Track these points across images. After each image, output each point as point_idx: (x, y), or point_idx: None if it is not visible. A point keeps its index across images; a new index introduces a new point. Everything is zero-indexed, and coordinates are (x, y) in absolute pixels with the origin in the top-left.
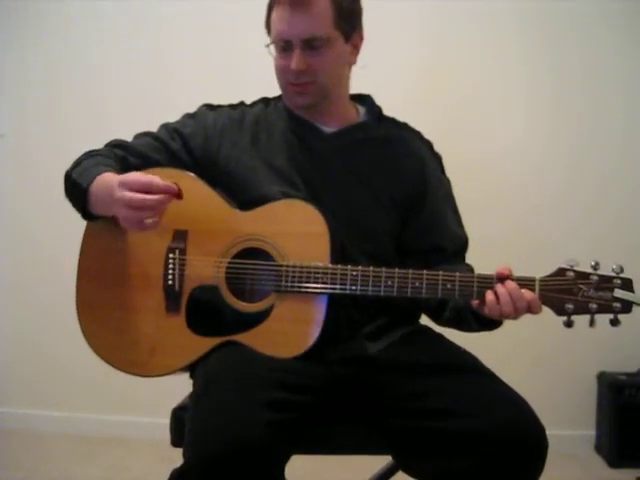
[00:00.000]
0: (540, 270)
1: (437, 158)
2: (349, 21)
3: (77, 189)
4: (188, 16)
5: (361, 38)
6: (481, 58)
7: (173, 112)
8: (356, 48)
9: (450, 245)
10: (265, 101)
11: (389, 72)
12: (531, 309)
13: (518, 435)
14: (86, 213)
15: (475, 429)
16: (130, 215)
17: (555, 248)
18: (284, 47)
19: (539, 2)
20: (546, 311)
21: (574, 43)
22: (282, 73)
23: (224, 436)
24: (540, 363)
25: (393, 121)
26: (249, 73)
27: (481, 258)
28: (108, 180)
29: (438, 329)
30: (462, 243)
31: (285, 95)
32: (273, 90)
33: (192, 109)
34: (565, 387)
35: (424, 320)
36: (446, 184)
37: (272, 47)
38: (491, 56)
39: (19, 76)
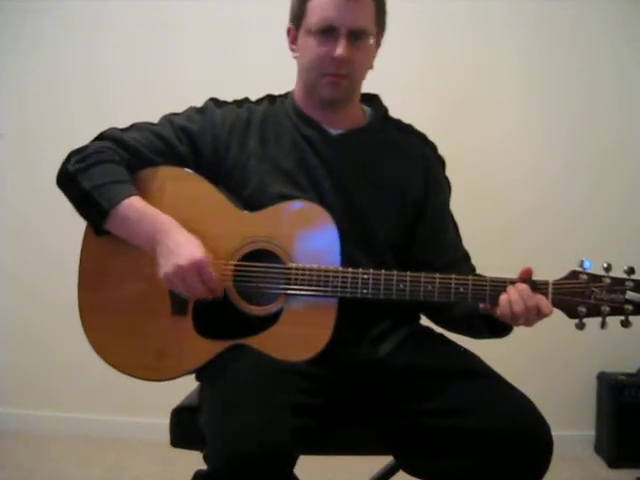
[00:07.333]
0: (540, 267)
1: (441, 161)
2: (382, 22)
3: (92, 204)
4: (192, 15)
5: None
6: (479, 57)
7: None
8: (377, 51)
9: (452, 256)
10: (270, 99)
11: (387, 70)
12: (541, 309)
13: (522, 433)
14: (97, 225)
15: (479, 427)
16: (180, 286)
17: (554, 245)
18: (326, 35)
19: (536, 2)
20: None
21: (571, 42)
22: (320, 61)
23: (254, 440)
24: (540, 363)
25: (398, 123)
26: (252, 72)
27: (481, 255)
28: (163, 225)
29: (438, 330)
30: (462, 255)
31: (317, 85)
32: (275, 89)
33: None
34: (565, 387)
35: (424, 321)
36: (446, 190)
37: (304, 36)
38: (489, 55)
39: (20, 75)
